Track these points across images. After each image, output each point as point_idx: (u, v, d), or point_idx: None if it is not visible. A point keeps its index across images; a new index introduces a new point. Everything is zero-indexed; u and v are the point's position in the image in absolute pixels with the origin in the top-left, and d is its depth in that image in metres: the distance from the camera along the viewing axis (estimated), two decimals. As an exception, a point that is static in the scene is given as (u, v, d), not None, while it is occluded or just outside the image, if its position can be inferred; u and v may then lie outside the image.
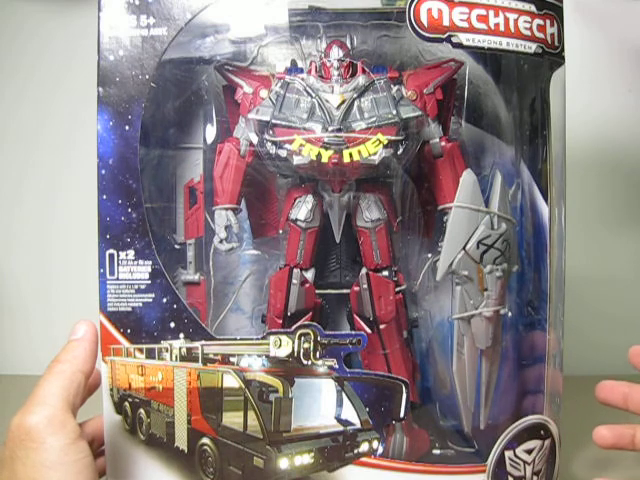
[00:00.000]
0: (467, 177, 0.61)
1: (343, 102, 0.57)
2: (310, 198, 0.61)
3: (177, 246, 0.66)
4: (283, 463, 0.54)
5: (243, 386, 0.56)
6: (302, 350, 0.56)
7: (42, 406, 0.47)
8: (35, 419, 0.46)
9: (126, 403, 0.60)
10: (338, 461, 0.56)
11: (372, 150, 0.56)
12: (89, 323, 0.54)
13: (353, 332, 0.62)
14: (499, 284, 0.62)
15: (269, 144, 0.58)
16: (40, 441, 0.46)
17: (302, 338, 0.56)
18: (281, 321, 0.62)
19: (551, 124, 0.60)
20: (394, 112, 0.58)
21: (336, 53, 0.59)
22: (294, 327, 0.57)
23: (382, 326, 0.62)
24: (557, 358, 0.61)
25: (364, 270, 0.62)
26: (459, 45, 0.56)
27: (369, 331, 0.62)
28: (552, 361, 0.61)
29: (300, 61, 0.62)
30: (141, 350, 0.58)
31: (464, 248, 0.61)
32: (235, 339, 0.59)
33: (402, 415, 0.58)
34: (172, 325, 0.57)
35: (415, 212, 0.64)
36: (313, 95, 0.58)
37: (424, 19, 0.56)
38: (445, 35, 0.56)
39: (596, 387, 0.61)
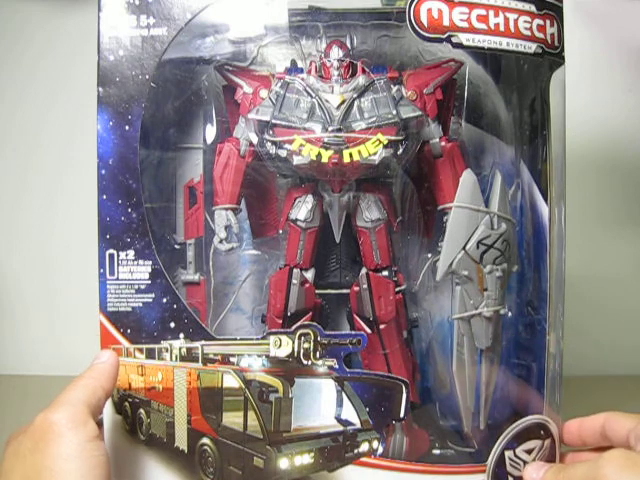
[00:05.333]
0: (467, 177, 0.61)
1: (343, 102, 0.57)
2: (310, 198, 0.61)
3: (177, 246, 0.66)
4: (283, 463, 0.54)
5: (243, 386, 0.56)
6: (302, 350, 0.56)
7: (66, 406, 0.50)
8: (58, 415, 0.49)
9: (126, 403, 0.60)
10: (338, 461, 0.56)
11: (372, 150, 0.56)
12: (112, 352, 0.57)
13: (353, 332, 0.62)
14: (499, 284, 0.62)
15: (269, 144, 0.58)
16: (60, 434, 0.48)
17: (302, 338, 0.56)
18: (281, 321, 0.62)
19: (551, 124, 0.60)
20: (394, 112, 0.58)
21: (336, 53, 0.59)
22: (294, 327, 0.57)
23: (382, 326, 0.62)
24: (557, 358, 0.61)
25: (364, 270, 0.62)
26: (459, 45, 0.56)
27: (369, 331, 0.62)
28: (552, 361, 0.61)
29: (300, 61, 0.62)
30: (141, 350, 0.58)
31: (464, 248, 0.61)
32: (235, 339, 0.59)
33: (402, 415, 0.58)
34: (172, 325, 0.57)
35: (415, 212, 0.64)
36: (313, 95, 0.58)
37: (424, 19, 0.56)
38: (445, 35, 0.56)
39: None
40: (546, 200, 0.61)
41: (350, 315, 0.64)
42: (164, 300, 0.57)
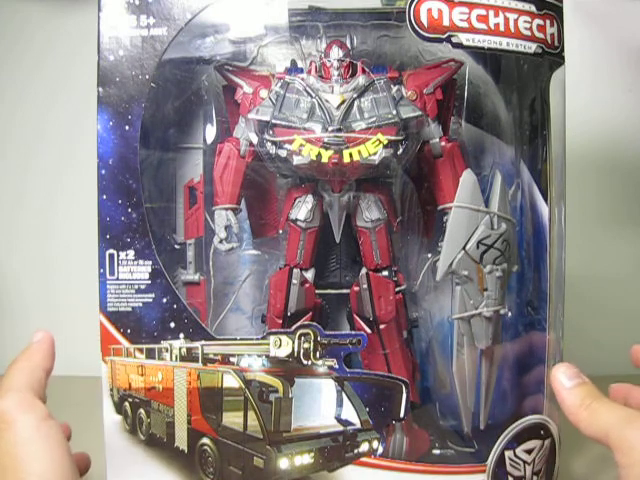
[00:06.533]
0: (467, 177, 0.61)
1: (343, 102, 0.57)
2: (310, 198, 0.61)
3: (177, 246, 0.66)
4: (283, 463, 0.54)
5: (243, 386, 0.56)
6: (302, 350, 0.56)
7: (10, 392, 0.50)
8: (6, 403, 0.49)
9: (126, 403, 0.60)
10: (338, 461, 0.56)
11: (372, 150, 0.56)
12: (46, 331, 0.57)
13: (353, 332, 0.62)
14: (499, 284, 0.62)
15: (269, 144, 0.58)
16: (13, 420, 0.48)
17: (302, 338, 0.56)
18: (281, 321, 0.62)
19: (551, 124, 0.60)
20: (394, 112, 0.58)
21: (336, 53, 0.59)
22: (294, 327, 0.57)
23: (382, 326, 0.62)
24: (557, 358, 0.61)
25: (364, 270, 0.62)
26: (459, 45, 0.56)
27: (369, 331, 0.62)
28: (552, 361, 0.61)
29: (300, 61, 0.62)
30: (141, 350, 0.58)
31: (464, 248, 0.61)
32: (235, 339, 0.59)
33: (402, 415, 0.58)
34: (172, 325, 0.57)
35: (415, 212, 0.64)
36: (313, 95, 0.58)
37: (424, 19, 0.56)
38: (445, 35, 0.56)
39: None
40: (546, 200, 0.61)
41: (350, 315, 0.64)
42: (164, 300, 0.57)
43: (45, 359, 0.54)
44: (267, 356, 0.56)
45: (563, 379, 0.52)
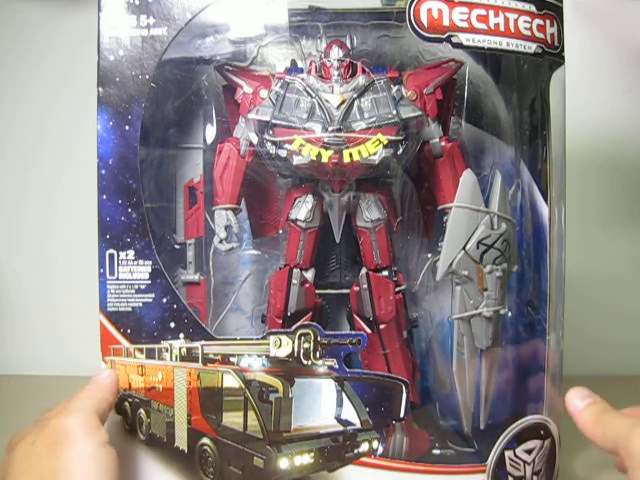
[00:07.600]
0: (467, 177, 0.61)
1: (343, 102, 0.57)
2: (310, 198, 0.61)
3: (177, 246, 0.66)
4: (283, 463, 0.54)
5: (243, 386, 0.56)
6: (302, 350, 0.56)
7: (77, 413, 0.52)
8: (72, 421, 0.52)
9: (126, 403, 0.60)
10: (338, 461, 0.56)
11: (372, 150, 0.56)
12: (111, 369, 0.59)
13: (353, 332, 0.62)
14: (499, 284, 0.62)
15: (269, 144, 0.58)
16: (75, 438, 0.51)
17: (302, 338, 0.56)
18: (281, 321, 0.62)
19: (551, 124, 0.60)
20: (394, 112, 0.58)
21: (336, 53, 0.59)
22: (294, 327, 0.57)
23: (382, 326, 0.62)
24: (557, 358, 0.61)
25: (364, 270, 0.62)
26: (459, 45, 0.56)
27: (369, 331, 0.62)
28: (552, 361, 0.61)
29: (300, 61, 0.62)
30: (141, 350, 0.58)
31: (464, 248, 0.61)
32: (235, 339, 0.59)
33: (402, 415, 0.58)
34: (172, 325, 0.57)
35: (415, 212, 0.64)
36: (313, 95, 0.58)
37: (424, 19, 0.56)
38: (445, 35, 0.56)
39: None
40: (546, 200, 0.61)
41: (350, 315, 0.64)
42: (164, 300, 0.57)
43: (110, 394, 0.57)
44: (267, 356, 0.56)
45: (576, 401, 0.53)
